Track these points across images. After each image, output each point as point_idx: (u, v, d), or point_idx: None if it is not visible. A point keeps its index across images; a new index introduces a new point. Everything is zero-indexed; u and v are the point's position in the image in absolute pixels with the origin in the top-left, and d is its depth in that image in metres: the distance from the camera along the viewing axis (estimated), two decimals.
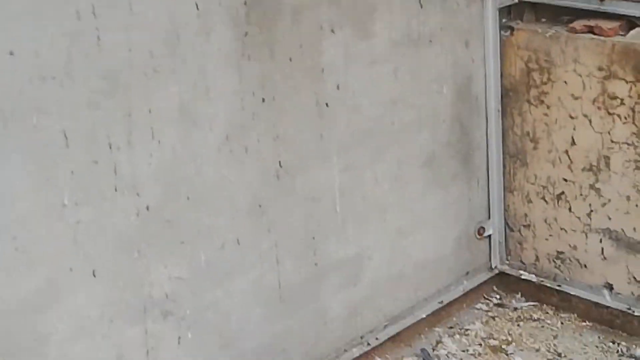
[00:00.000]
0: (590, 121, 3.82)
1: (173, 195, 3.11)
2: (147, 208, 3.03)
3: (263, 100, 3.28)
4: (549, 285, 4.12)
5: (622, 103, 3.71)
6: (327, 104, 3.49)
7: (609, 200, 3.85)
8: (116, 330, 3.02)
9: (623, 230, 3.83)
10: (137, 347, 3.09)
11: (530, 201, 4.11)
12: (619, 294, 3.91)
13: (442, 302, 4.05)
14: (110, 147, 2.91)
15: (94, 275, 2.94)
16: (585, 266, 4.00)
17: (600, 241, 3.92)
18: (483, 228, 4.19)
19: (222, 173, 3.23)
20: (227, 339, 3.33)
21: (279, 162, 3.38)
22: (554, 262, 4.10)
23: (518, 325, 4.02)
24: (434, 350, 3.89)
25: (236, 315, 3.35)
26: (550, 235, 4.09)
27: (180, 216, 3.13)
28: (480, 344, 3.91)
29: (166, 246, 3.12)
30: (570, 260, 4.04)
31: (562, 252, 4.06)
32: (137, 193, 3.00)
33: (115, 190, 2.95)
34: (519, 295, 4.19)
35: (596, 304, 3.97)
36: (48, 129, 2.75)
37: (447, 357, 3.84)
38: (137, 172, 2.99)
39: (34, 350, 2.84)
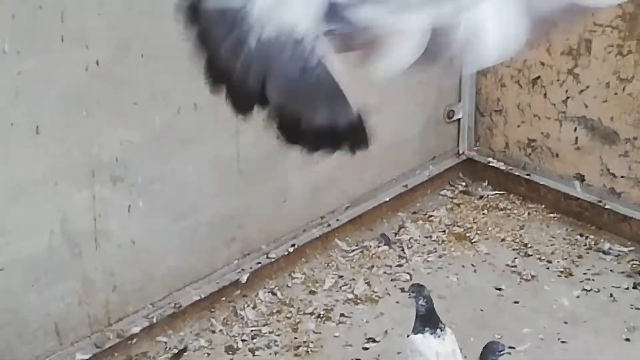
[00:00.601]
0: None
1: (126, 51, 2.84)
2: (97, 63, 2.77)
3: None
4: (517, 174, 3.95)
5: None
6: None
7: (587, 87, 3.66)
8: (61, 193, 2.79)
9: (600, 119, 3.66)
10: (84, 213, 2.87)
11: (503, 85, 3.91)
12: (590, 185, 3.76)
13: (406, 186, 3.87)
14: None
15: (37, 132, 2.69)
16: (556, 155, 3.83)
17: (575, 130, 3.74)
18: (452, 111, 3.99)
19: (181, 29, 2.96)
20: (181, 210, 3.13)
21: None
22: (525, 150, 3.93)
23: (483, 213, 3.86)
24: (396, 235, 3.73)
25: (191, 186, 3.14)
26: (523, 122, 3.90)
27: (133, 75, 2.88)
28: (444, 231, 3.75)
29: (117, 107, 2.87)
30: (541, 148, 3.87)
31: (533, 140, 3.88)
32: (86, 45, 2.74)
33: (62, 40, 2.68)
34: (485, 183, 4.03)
35: (565, 195, 3.82)
36: None
37: (410, 242, 3.68)
38: (86, 21, 2.72)
39: None
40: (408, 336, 2.81)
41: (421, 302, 2.77)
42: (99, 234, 2.92)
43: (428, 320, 2.77)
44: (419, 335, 2.78)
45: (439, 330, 2.77)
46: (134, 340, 3.08)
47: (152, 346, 3.13)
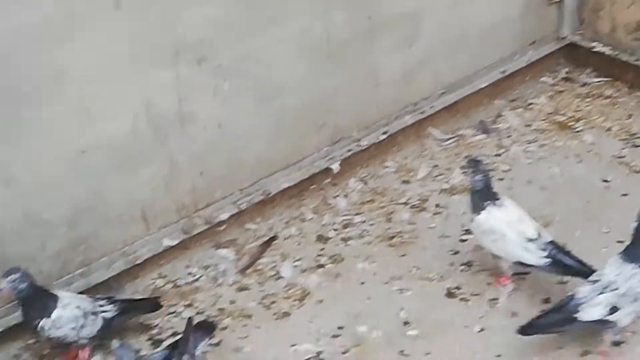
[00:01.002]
0: None
1: None
2: None
3: None
4: (624, 59, 3.66)
5: None
6: None
7: None
8: (144, 73, 2.65)
9: None
10: (168, 94, 2.72)
11: None
12: None
13: (504, 72, 3.63)
14: None
15: (118, 8, 2.52)
16: None
17: None
18: None
19: None
20: (267, 92, 2.96)
21: None
22: (633, 33, 3.63)
23: (587, 102, 3.61)
24: (493, 123, 3.52)
25: (278, 67, 2.96)
26: (632, 3, 3.60)
27: None
28: (545, 120, 3.52)
29: None
30: None
31: None
32: None
33: None
34: (589, 70, 3.76)
35: None
36: None
37: (508, 131, 3.47)
38: None
39: (48, 88, 2.47)
40: (472, 221, 2.69)
41: (478, 177, 2.65)
42: (184, 116, 2.78)
43: (486, 195, 2.66)
44: (483, 214, 2.66)
45: (498, 201, 2.64)
46: (223, 226, 2.98)
47: (241, 233, 3.03)
